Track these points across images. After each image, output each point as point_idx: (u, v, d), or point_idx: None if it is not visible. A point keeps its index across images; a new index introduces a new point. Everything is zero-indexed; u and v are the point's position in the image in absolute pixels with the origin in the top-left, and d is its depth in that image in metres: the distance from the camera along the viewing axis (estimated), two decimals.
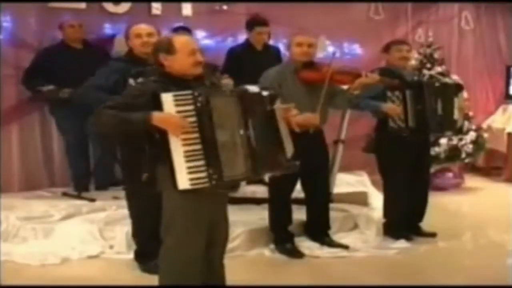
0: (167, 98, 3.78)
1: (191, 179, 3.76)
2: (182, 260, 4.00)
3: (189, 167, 3.77)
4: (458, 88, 6.32)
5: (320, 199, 6.03)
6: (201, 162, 3.79)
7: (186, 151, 3.77)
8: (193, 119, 3.81)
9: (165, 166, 3.80)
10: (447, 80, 8.36)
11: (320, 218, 6.06)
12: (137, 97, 3.88)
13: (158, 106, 3.77)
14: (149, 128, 3.79)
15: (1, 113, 7.07)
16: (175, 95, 3.80)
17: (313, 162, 5.71)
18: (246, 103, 4.04)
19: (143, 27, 5.23)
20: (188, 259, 4.00)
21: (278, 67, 5.82)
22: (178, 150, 3.77)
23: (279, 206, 5.87)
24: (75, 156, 7.17)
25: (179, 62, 4.02)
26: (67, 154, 7.27)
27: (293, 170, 4.24)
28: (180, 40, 4.10)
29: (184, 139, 3.77)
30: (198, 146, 3.80)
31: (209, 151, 3.81)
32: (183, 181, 3.76)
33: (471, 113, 8.90)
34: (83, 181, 7.09)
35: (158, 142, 3.83)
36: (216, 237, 4.17)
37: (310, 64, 5.70)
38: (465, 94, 6.46)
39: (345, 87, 5.82)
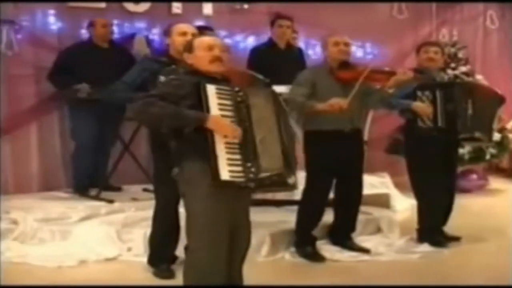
0: (211, 90, 3.82)
1: (230, 171, 3.76)
2: (205, 265, 3.92)
3: (229, 159, 3.77)
4: (501, 99, 6.22)
5: (352, 200, 5.93)
6: (238, 156, 3.81)
7: (226, 143, 3.79)
8: (231, 113, 3.85)
9: (195, 161, 3.82)
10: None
11: (348, 219, 5.98)
12: (179, 88, 3.87)
13: (202, 97, 3.79)
14: (199, 127, 3.77)
15: (0, 118, 7.06)
16: (218, 88, 3.86)
17: (348, 162, 5.68)
18: (278, 104, 4.13)
19: (188, 26, 5.25)
20: (211, 263, 3.92)
21: (314, 67, 5.85)
22: (219, 142, 3.78)
23: (312, 207, 5.78)
24: (82, 157, 7.05)
25: (198, 59, 4.08)
26: (74, 154, 7.16)
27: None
28: (199, 38, 4.21)
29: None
30: (236, 140, 3.82)
31: (247, 145, 3.84)
32: (224, 172, 3.74)
33: None
34: (85, 181, 7.02)
35: (187, 137, 3.85)
36: (237, 241, 4.09)
37: (346, 65, 5.64)
38: None
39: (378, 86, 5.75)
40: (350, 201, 5.94)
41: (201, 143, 3.77)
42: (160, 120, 3.84)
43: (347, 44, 5.66)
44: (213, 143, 3.76)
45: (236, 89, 3.92)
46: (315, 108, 5.40)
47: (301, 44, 8.11)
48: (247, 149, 3.83)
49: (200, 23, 7.47)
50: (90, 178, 7.07)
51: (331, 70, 5.63)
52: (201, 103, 3.80)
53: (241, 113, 3.88)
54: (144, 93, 4.89)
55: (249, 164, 3.81)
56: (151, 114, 3.80)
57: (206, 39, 4.17)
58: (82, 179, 7.06)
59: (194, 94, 3.81)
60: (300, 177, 6.44)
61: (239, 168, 3.79)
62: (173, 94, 3.84)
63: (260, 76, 5.58)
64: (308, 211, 5.81)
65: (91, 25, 7.07)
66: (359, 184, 5.92)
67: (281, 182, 4.03)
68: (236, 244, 4.07)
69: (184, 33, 5.11)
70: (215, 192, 3.79)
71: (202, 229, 3.89)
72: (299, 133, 6.02)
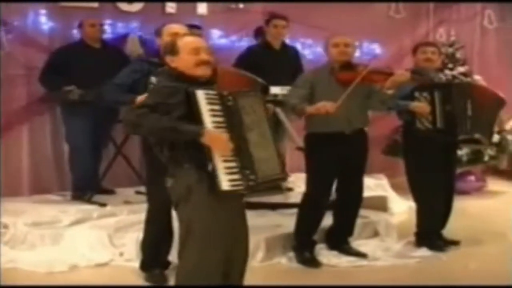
0: (201, 96, 3.67)
1: (230, 180, 3.65)
2: (199, 277, 3.81)
3: (226, 167, 3.66)
4: (501, 101, 6.11)
5: (352, 203, 5.86)
6: (235, 164, 3.69)
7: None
8: (221, 119, 3.71)
9: (190, 169, 3.72)
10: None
11: (347, 223, 5.91)
12: (170, 96, 3.70)
13: (192, 105, 3.64)
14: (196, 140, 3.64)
15: None
16: (206, 93, 3.70)
17: (348, 164, 5.61)
18: (264, 105, 4.06)
19: (180, 27, 5.10)
20: (206, 275, 3.81)
21: (316, 68, 5.80)
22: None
23: (313, 210, 5.68)
24: (78, 159, 6.91)
25: (183, 62, 3.90)
26: (71, 158, 7.02)
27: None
28: (183, 40, 4.01)
29: None
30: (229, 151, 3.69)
31: (242, 151, 3.73)
32: (224, 182, 3.63)
33: None
34: (83, 184, 6.86)
35: (181, 145, 3.73)
36: (236, 252, 3.97)
37: (347, 65, 5.55)
38: None
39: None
40: (350, 204, 5.86)
41: (196, 150, 3.67)
42: (155, 133, 3.74)
43: (347, 45, 5.56)
44: (210, 152, 3.64)
45: (225, 93, 3.77)
46: (305, 111, 5.34)
47: (297, 44, 8.01)
48: (242, 155, 3.72)
49: (194, 22, 7.36)
50: (90, 180, 6.92)
51: (332, 71, 5.54)
52: (192, 111, 3.66)
53: (233, 118, 3.75)
54: (132, 95, 4.84)
55: (247, 171, 3.71)
56: (145, 128, 3.67)
57: (191, 41, 3.99)
58: (80, 182, 6.92)
59: (185, 102, 3.67)
60: (298, 179, 6.43)
61: (237, 176, 3.68)
62: (164, 104, 3.68)
63: (258, 79, 5.48)
64: (309, 214, 5.71)
65: (81, 25, 6.96)
66: (359, 187, 5.85)
67: (274, 186, 3.93)
68: (234, 254, 3.94)
69: (175, 34, 4.95)
70: (212, 200, 3.69)
71: (197, 236, 3.76)
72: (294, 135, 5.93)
